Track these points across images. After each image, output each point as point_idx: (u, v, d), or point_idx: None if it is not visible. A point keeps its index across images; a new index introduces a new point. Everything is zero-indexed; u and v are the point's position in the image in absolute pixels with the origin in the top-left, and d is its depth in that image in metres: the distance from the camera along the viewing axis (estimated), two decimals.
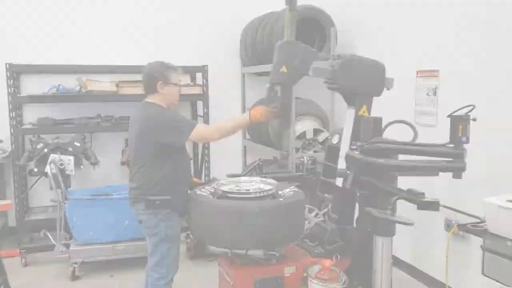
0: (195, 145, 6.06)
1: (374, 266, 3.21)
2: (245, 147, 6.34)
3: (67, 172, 4.72)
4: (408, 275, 4.49)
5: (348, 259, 3.43)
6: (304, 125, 5.18)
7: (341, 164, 3.46)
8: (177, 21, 5.90)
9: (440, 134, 3.77)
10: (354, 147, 3.09)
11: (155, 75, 3.22)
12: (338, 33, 5.20)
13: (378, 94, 3.35)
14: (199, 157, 5.94)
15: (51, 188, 4.68)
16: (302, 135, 5.12)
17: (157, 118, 3.16)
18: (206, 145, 5.74)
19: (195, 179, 3.73)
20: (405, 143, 2.94)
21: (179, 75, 3.35)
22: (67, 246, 4.48)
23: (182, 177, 3.33)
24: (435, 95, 4.03)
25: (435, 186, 3.88)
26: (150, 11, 5.80)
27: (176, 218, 3.25)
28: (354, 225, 3.62)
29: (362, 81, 3.26)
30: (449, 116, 2.65)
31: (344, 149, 3.41)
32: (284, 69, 3.23)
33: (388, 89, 3.39)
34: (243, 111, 6.16)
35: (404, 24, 4.43)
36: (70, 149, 4.87)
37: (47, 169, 4.49)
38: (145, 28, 5.80)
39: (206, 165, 5.74)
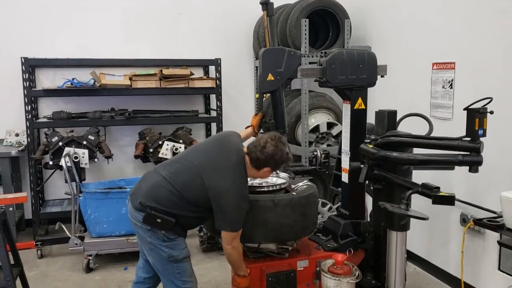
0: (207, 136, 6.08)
1: (388, 261, 3.19)
2: None
3: (82, 165, 4.76)
4: (422, 270, 4.44)
5: (361, 253, 3.41)
6: (318, 119, 5.15)
7: (344, 159, 3.44)
8: (190, 14, 5.88)
9: (456, 128, 3.74)
10: (368, 140, 3.06)
11: (271, 162, 2.82)
12: (353, 26, 5.15)
13: (372, 84, 3.31)
14: None
15: (66, 181, 4.73)
16: (316, 129, 5.10)
17: (230, 182, 2.72)
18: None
19: None
20: (420, 137, 2.90)
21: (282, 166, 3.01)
22: (81, 238, 4.51)
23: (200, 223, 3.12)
24: (451, 87, 3.96)
25: (452, 179, 3.84)
26: (163, 4, 5.79)
27: (179, 238, 2.88)
28: (368, 219, 3.61)
29: (354, 74, 3.22)
30: (465, 109, 2.60)
31: (344, 144, 3.39)
32: (270, 77, 3.22)
33: (382, 76, 3.35)
34: (255, 104, 6.17)
35: (420, 17, 4.37)
36: (84, 142, 4.91)
37: (62, 162, 4.53)
38: (159, 21, 5.79)
39: None
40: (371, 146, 2.98)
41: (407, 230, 3.10)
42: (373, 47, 5.00)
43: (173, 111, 5.58)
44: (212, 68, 5.80)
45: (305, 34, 4.80)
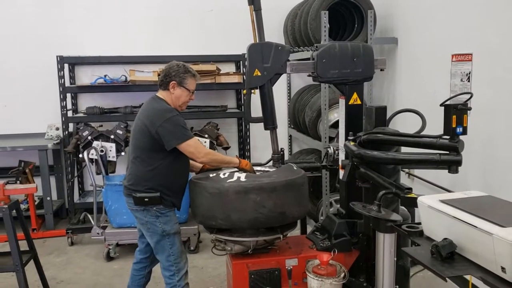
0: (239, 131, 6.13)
1: (377, 263, 3.05)
2: (290, 136, 6.26)
3: (109, 159, 4.98)
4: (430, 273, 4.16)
5: (356, 254, 3.28)
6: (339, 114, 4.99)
7: (341, 156, 3.33)
8: (220, 10, 5.92)
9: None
10: (352, 137, 2.95)
11: (171, 74, 3.17)
12: (378, 17, 4.95)
13: (368, 78, 3.16)
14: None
15: (97, 173, 4.97)
16: (337, 124, 4.94)
17: (162, 114, 3.08)
18: (248, 133, 5.79)
19: None
20: (402, 134, 2.74)
21: (195, 82, 3.26)
22: (105, 228, 4.72)
23: (178, 175, 3.24)
24: (468, 81, 3.69)
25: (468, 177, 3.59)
26: (192, 1, 5.89)
27: (170, 212, 3.21)
28: None
29: (347, 68, 3.09)
30: (442, 104, 2.42)
31: (341, 141, 3.28)
32: (257, 72, 3.15)
33: (381, 70, 3.18)
34: (289, 97, 6.11)
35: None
36: (112, 136, 5.13)
37: (84, 155, 4.77)
38: (190, 18, 5.89)
39: (248, 154, 5.78)
40: (352, 143, 2.86)
41: (395, 232, 2.93)
42: (400, 38, 4.78)
43: (201, 106, 5.66)
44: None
45: (325, 26, 4.66)
